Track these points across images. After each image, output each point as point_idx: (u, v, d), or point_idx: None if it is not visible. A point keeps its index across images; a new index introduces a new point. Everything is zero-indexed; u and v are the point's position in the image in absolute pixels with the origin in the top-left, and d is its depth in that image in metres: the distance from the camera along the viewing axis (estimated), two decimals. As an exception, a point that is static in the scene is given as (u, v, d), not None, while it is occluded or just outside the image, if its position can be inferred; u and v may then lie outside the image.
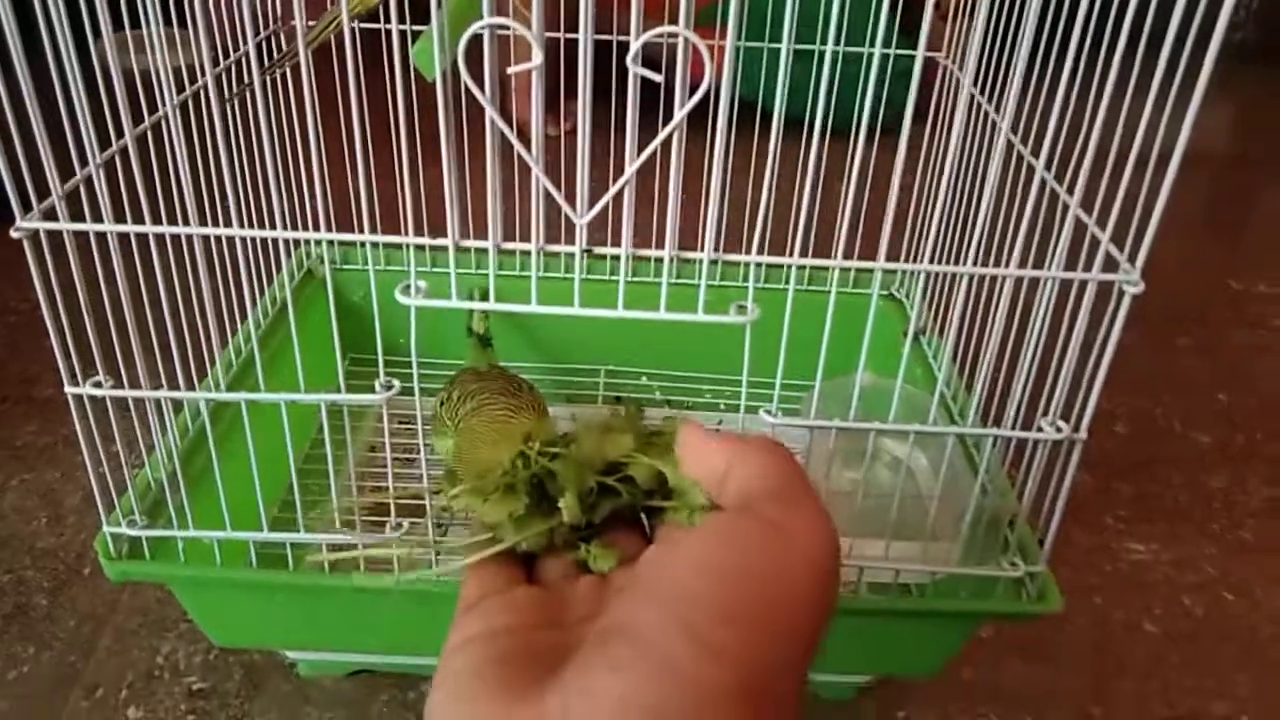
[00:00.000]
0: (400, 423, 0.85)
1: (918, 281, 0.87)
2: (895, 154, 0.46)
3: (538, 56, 0.39)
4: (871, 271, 0.48)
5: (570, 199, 0.43)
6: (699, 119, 0.40)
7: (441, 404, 0.75)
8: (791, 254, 0.45)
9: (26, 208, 0.47)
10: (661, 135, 0.42)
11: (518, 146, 0.42)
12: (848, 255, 0.47)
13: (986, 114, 0.69)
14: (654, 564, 0.30)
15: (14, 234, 0.47)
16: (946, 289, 0.81)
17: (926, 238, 0.62)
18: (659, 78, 0.40)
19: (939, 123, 0.80)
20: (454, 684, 0.29)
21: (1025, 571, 0.57)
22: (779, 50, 0.44)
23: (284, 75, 0.80)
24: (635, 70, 0.40)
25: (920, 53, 0.48)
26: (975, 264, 0.47)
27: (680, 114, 0.41)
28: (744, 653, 0.26)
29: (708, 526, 0.30)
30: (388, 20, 0.74)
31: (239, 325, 0.73)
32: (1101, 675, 0.77)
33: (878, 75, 0.44)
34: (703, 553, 0.29)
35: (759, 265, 0.46)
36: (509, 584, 0.34)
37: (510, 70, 0.42)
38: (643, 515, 0.37)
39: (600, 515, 0.35)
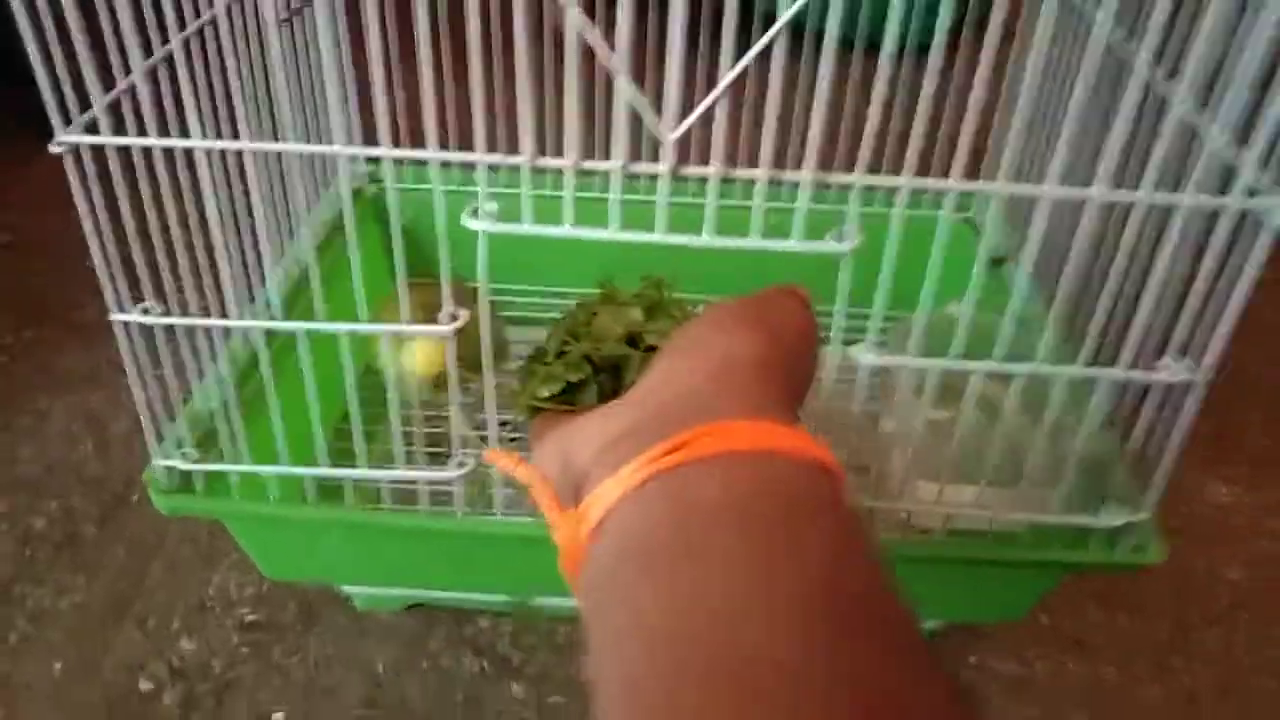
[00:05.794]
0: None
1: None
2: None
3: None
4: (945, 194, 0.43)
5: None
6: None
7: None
8: (903, 174, 0.41)
9: (67, 122, 0.44)
10: (765, 39, 0.37)
11: (599, 49, 0.38)
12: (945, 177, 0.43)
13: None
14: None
15: (54, 149, 0.43)
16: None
17: (1050, 162, 0.57)
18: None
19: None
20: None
21: (1128, 521, 0.53)
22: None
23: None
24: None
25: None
26: (1103, 186, 0.42)
27: (785, 17, 0.37)
28: (754, 335, 0.33)
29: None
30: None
31: (286, 248, 0.70)
32: (1183, 624, 0.74)
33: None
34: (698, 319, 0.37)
35: (862, 189, 0.42)
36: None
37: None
38: None
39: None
